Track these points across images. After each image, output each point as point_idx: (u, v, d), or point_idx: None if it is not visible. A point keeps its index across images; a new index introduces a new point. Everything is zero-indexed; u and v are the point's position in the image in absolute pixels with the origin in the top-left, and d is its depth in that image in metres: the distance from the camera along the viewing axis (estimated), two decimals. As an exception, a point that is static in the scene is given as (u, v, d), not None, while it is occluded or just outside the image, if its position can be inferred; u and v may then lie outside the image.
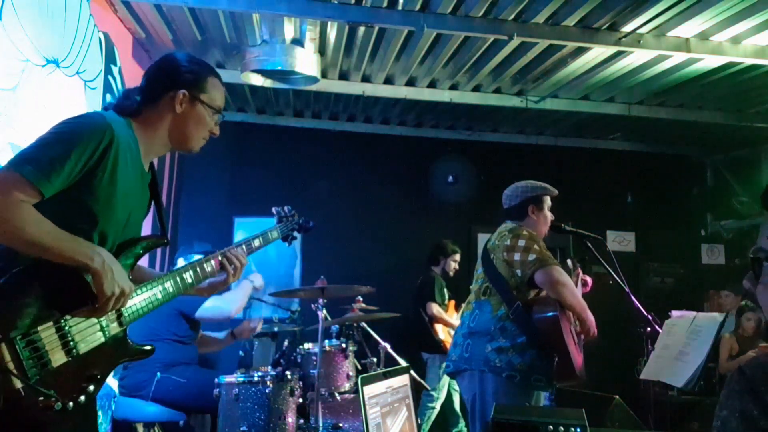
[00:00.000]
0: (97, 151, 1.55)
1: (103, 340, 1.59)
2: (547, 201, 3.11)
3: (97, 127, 1.57)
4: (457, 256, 5.61)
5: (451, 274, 5.60)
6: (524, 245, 2.83)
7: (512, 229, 2.96)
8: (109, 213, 1.61)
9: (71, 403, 1.49)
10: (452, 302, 5.57)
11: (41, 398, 1.42)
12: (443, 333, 5.31)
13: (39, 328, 1.44)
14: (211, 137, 1.89)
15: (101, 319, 1.58)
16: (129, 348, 1.68)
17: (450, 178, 6.63)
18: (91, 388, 1.55)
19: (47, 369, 1.45)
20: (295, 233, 2.41)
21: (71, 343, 1.51)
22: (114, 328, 1.62)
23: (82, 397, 1.52)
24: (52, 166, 1.46)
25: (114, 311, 1.60)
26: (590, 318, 2.85)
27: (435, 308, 5.28)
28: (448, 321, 5.30)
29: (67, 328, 1.50)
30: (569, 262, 3.30)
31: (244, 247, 2.06)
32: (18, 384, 1.38)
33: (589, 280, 3.29)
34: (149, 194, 1.83)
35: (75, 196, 1.54)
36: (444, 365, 5.24)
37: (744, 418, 1.03)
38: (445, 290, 5.52)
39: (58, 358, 1.47)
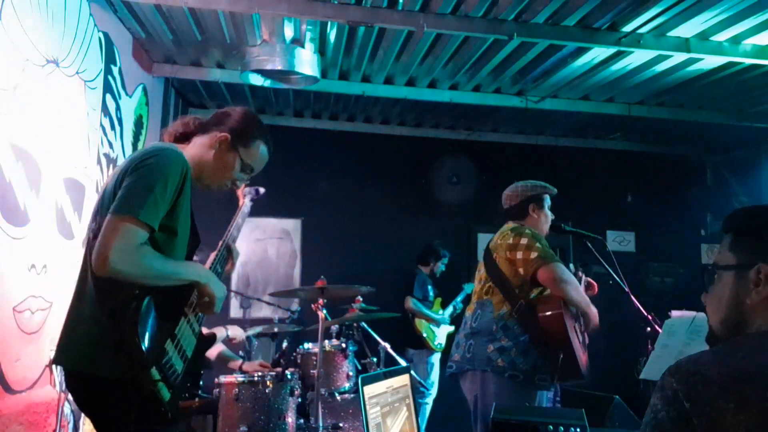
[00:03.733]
0: (181, 182, 1.79)
1: (195, 340, 1.90)
2: (547, 200, 3.12)
3: (178, 163, 1.80)
4: (446, 260, 5.76)
5: (437, 275, 5.75)
6: (527, 243, 2.84)
7: (515, 228, 2.97)
8: (184, 227, 1.87)
9: (197, 401, 1.81)
10: (438, 299, 5.65)
11: (179, 402, 1.73)
12: (425, 330, 5.41)
13: (166, 346, 1.72)
14: None
15: (192, 323, 1.88)
16: (203, 340, 1.99)
17: (450, 178, 6.64)
18: (201, 383, 1.91)
19: (179, 378, 1.75)
20: (252, 203, 2.60)
21: (183, 350, 1.81)
22: (196, 328, 1.92)
23: (199, 391, 1.85)
24: (156, 204, 1.70)
25: (195, 313, 1.90)
26: (593, 311, 2.87)
27: (410, 302, 5.40)
28: (425, 315, 5.41)
29: (179, 340, 1.80)
30: (571, 267, 3.31)
31: (234, 232, 2.27)
32: (168, 396, 1.68)
33: (594, 284, 3.28)
34: None
35: (163, 222, 1.77)
36: (431, 359, 5.36)
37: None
38: (430, 287, 5.60)
39: (179, 366, 1.78)
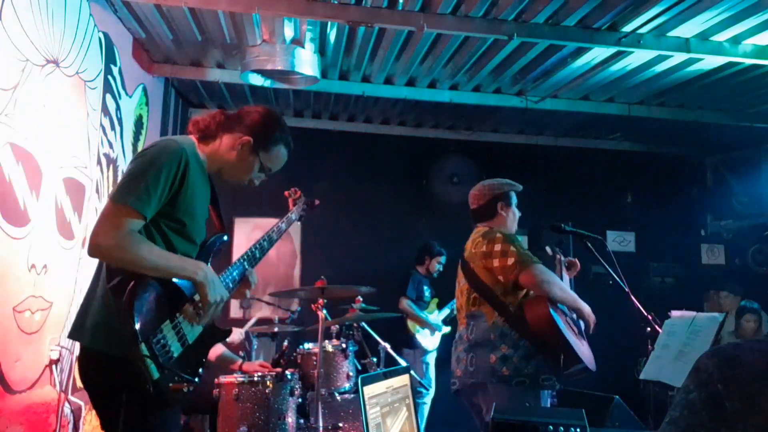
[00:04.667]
0: (179, 172, 1.83)
1: (201, 328, 1.93)
2: (514, 197, 3.08)
3: (175, 152, 1.84)
4: (442, 258, 5.71)
5: (434, 274, 5.71)
6: (501, 249, 2.80)
7: (485, 233, 2.92)
8: (192, 218, 1.92)
9: (192, 387, 1.83)
10: (435, 300, 5.64)
11: (170, 384, 1.75)
12: (417, 331, 5.42)
13: (162, 326, 1.77)
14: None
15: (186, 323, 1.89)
16: (216, 332, 2.04)
17: (450, 179, 6.63)
18: (201, 370, 1.91)
19: (173, 360, 1.77)
20: (304, 212, 2.62)
21: (183, 335, 1.84)
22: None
23: (197, 379, 1.86)
24: (149, 193, 1.75)
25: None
26: (585, 307, 2.84)
27: (404, 302, 5.40)
28: (416, 315, 5.40)
29: (179, 323, 1.84)
30: (548, 249, 3.27)
31: (274, 235, 2.28)
32: (156, 374, 1.70)
33: (573, 260, 3.23)
34: (209, 198, 2.12)
35: (166, 210, 1.84)
36: (425, 358, 5.36)
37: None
38: (426, 288, 5.60)
39: (176, 349, 1.80)
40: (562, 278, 3.04)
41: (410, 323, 5.42)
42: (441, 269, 5.71)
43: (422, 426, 5.20)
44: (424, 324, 5.43)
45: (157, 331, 1.74)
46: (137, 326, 1.67)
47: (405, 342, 5.40)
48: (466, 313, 2.95)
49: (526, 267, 2.74)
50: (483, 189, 3.08)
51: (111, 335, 1.72)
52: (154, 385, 1.70)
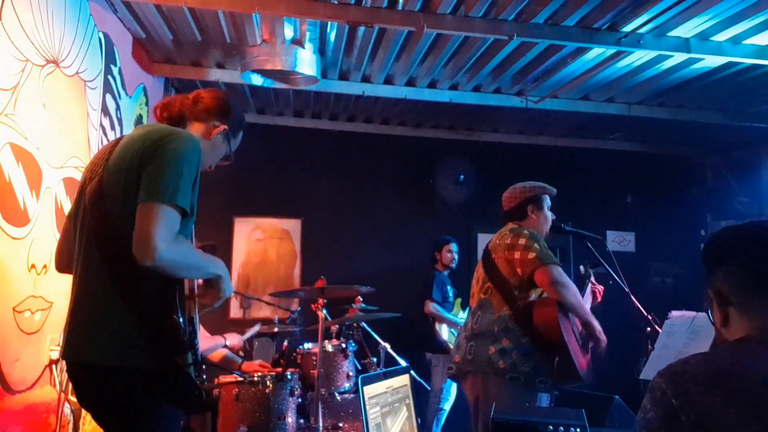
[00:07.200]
0: (198, 166, 1.79)
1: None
2: (547, 200, 3.12)
3: (197, 144, 1.80)
4: (452, 246, 5.58)
5: (452, 265, 5.56)
6: (525, 244, 2.84)
7: (513, 228, 2.97)
8: (193, 213, 1.81)
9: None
10: (458, 300, 5.56)
11: (198, 390, 1.73)
12: (446, 334, 5.28)
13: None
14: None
15: (197, 321, 1.86)
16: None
17: (450, 179, 6.63)
18: (204, 376, 1.94)
19: (198, 358, 1.76)
20: None
21: (195, 334, 1.80)
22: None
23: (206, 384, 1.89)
24: (187, 189, 1.69)
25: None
26: (595, 323, 2.80)
27: (430, 306, 5.26)
28: (444, 318, 5.27)
29: (196, 322, 1.82)
30: (581, 268, 3.28)
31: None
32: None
33: (599, 289, 3.24)
34: None
35: None
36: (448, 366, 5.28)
37: None
38: (449, 288, 5.49)
39: (190, 354, 1.74)
40: (583, 297, 3.04)
41: (439, 327, 5.25)
42: (456, 257, 5.56)
43: None
44: (453, 325, 5.24)
45: (193, 336, 1.73)
46: (185, 335, 1.64)
47: (430, 346, 5.24)
48: (476, 300, 2.98)
49: (544, 265, 2.76)
50: (514, 191, 3.12)
51: (134, 348, 1.64)
52: (199, 389, 1.69)
